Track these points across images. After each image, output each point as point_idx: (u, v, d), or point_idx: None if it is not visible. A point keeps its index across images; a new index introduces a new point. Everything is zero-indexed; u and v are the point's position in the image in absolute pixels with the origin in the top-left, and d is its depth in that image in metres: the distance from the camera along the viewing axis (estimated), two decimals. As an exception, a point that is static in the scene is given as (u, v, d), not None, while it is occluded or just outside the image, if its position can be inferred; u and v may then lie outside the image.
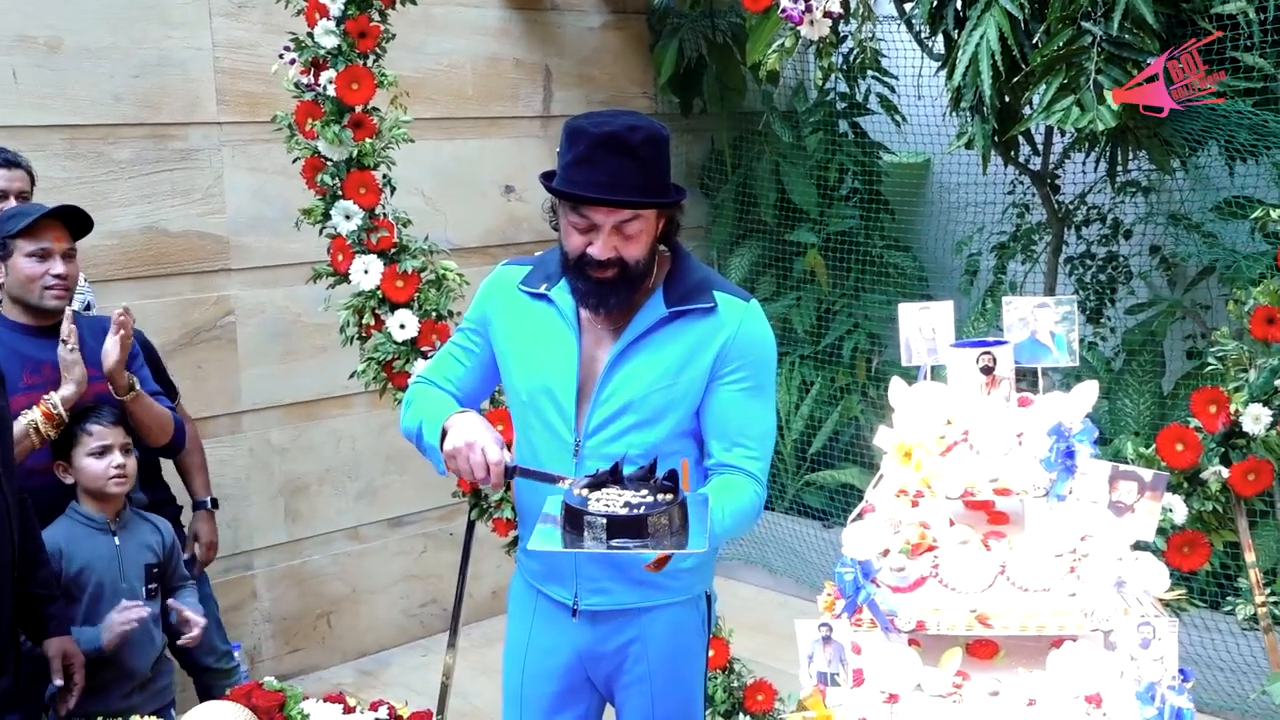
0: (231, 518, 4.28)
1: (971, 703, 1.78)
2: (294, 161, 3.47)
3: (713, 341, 2.26)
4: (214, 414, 4.31)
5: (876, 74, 5.14)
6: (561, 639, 2.41)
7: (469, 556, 3.58)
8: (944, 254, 5.52)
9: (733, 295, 2.30)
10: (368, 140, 3.39)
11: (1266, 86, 3.63)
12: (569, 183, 2.16)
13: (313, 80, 3.38)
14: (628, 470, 2.10)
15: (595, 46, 5.35)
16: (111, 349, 2.95)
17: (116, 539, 3.02)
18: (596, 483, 2.07)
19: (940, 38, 4.00)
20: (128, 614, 2.86)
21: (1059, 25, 3.34)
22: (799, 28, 3.27)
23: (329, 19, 3.35)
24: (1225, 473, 2.90)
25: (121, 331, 2.95)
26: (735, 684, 3.57)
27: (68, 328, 2.94)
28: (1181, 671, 1.76)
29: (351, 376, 3.50)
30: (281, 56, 3.42)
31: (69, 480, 3.01)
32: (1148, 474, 1.80)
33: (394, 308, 3.41)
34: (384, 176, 3.46)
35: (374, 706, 2.67)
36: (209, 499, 3.72)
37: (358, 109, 3.38)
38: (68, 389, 2.94)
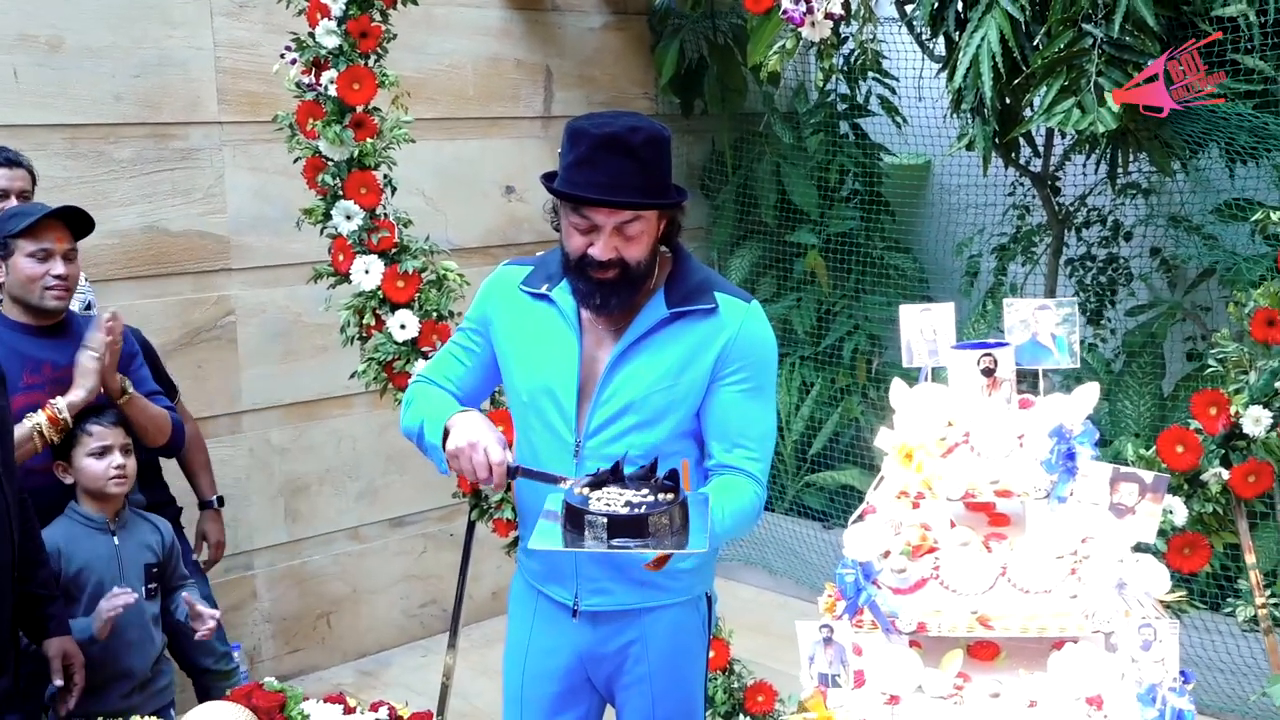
0: (231, 518, 4.28)
1: (972, 704, 1.78)
2: (295, 161, 3.47)
3: (714, 342, 2.26)
4: (214, 414, 4.31)
5: (877, 75, 5.14)
6: (562, 639, 2.41)
7: (469, 557, 3.58)
8: (944, 255, 5.52)
9: (734, 296, 2.30)
10: (369, 140, 3.40)
11: (1267, 89, 3.63)
12: (570, 184, 2.16)
13: (314, 80, 3.38)
14: (628, 470, 2.10)
15: (596, 47, 5.35)
16: (89, 362, 2.95)
17: (116, 539, 3.02)
18: (597, 482, 2.07)
19: (941, 39, 4.00)
20: (115, 600, 2.85)
21: (1060, 27, 3.35)
22: (800, 29, 3.27)
23: (330, 19, 3.35)
24: (1225, 474, 2.91)
25: (109, 337, 2.95)
26: (735, 685, 3.57)
27: (98, 337, 2.94)
28: (1182, 673, 1.76)
29: (352, 377, 3.50)
30: (283, 56, 3.42)
31: (68, 480, 3.00)
32: (1149, 476, 1.80)
33: (394, 308, 3.42)
34: (385, 177, 3.46)
35: (374, 707, 2.67)
36: (215, 498, 3.73)
37: (359, 109, 3.38)
38: (76, 395, 2.94)
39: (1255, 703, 3.66)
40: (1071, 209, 4.83)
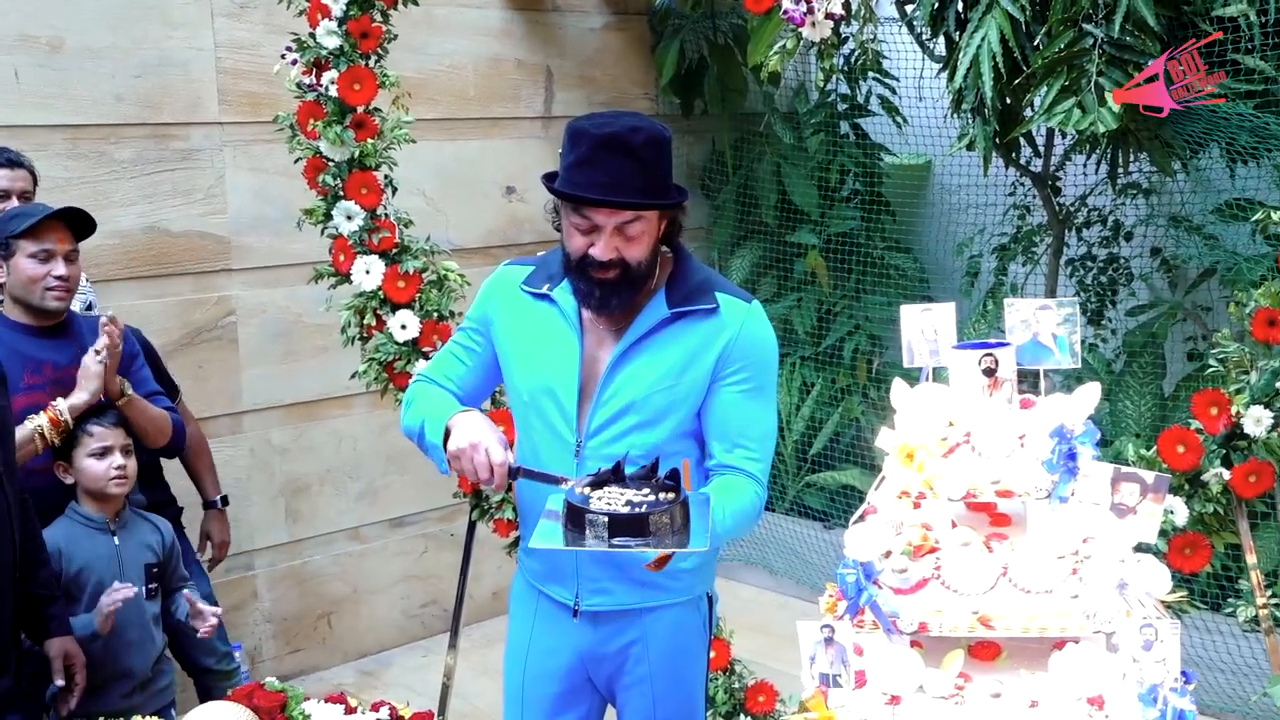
0: (232, 518, 4.25)
1: (973, 704, 1.78)
2: (296, 162, 3.47)
3: (715, 343, 2.26)
4: (215, 414, 4.31)
5: (878, 75, 5.14)
6: (563, 640, 2.41)
7: (470, 557, 3.58)
8: (945, 255, 5.52)
9: (735, 296, 2.30)
10: (369, 141, 3.40)
11: (1267, 89, 3.63)
12: (571, 184, 2.16)
13: (315, 81, 3.38)
14: (629, 470, 2.10)
15: (597, 47, 5.35)
16: (93, 365, 2.95)
17: (116, 539, 3.02)
18: (598, 481, 2.07)
19: (941, 39, 4.00)
20: (115, 595, 2.86)
21: (1060, 27, 3.35)
22: (800, 29, 3.27)
23: (331, 19, 3.35)
24: (1226, 475, 2.91)
25: (108, 340, 2.96)
26: (736, 685, 3.58)
27: (104, 341, 2.94)
28: (1183, 673, 1.76)
29: (353, 377, 3.50)
30: (284, 57, 3.42)
31: (69, 480, 3.01)
32: (1150, 476, 1.80)
33: (395, 308, 3.42)
34: (385, 177, 3.46)
35: (375, 707, 2.67)
36: (219, 498, 3.74)
37: (359, 109, 3.38)
38: (78, 397, 2.94)
39: (1256, 703, 3.66)
40: (1072, 209, 4.83)
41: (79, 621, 2.86)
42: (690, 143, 5.73)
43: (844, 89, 5.55)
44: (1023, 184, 5.03)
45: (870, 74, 5.12)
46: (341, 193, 3.41)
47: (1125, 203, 4.85)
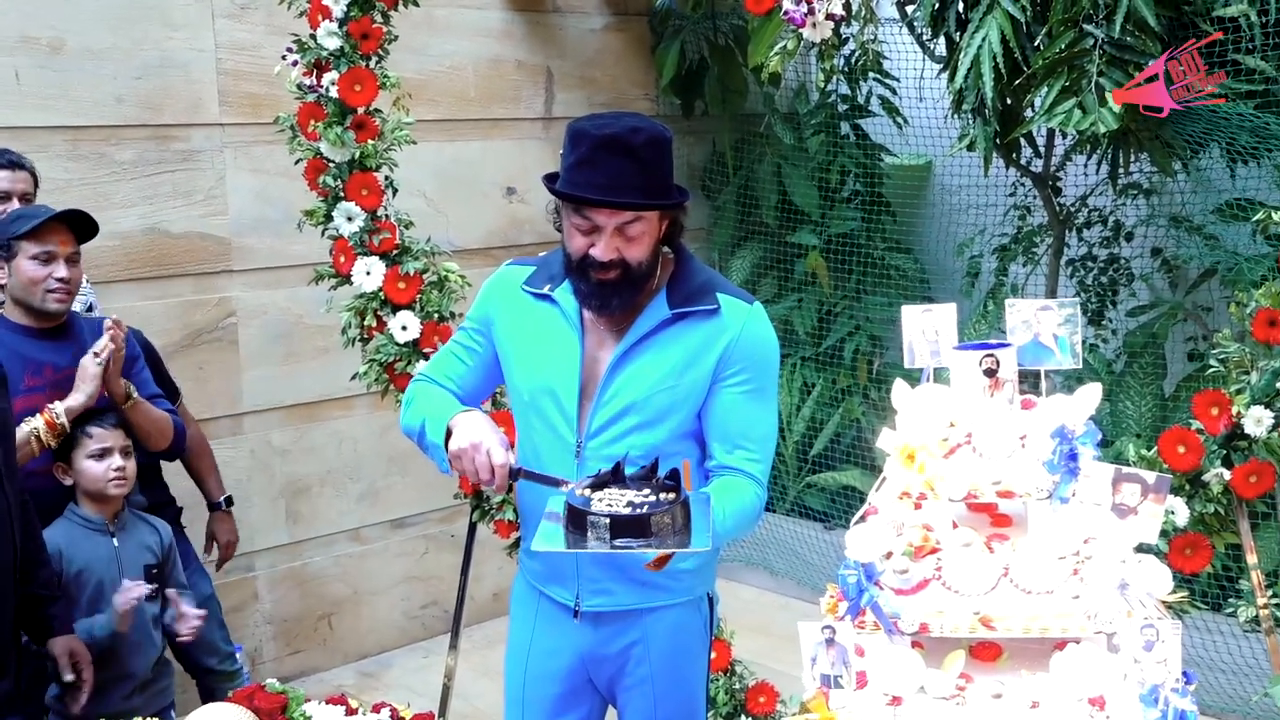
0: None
1: (975, 705, 1.78)
2: (296, 163, 3.47)
3: (716, 343, 2.26)
4: (215, 415, 4.31)
5: (878, 76, 5.14)
6: (563, 641, 2.41)
7: (470, 558, 3.58)
8: (945, 256, 5.52)
9: (736, 297, 2.30)
10: (370, 142, 3.40)
11: (1268, 89, 3.63)
12: (571, 184, 2.16)
13: (315, 82, 3.38)
14: (629, 470, 2.10)
15: (597, 48, 5.35)
16: (91, 366, 2.95)
17: (115, 540, 3.02)
18: (598, 483, 2.07)
19: (942, 40, 4.00)
20: (129, 594, 2.87)
21: (1060, 28, 3.34)
22: (801, 30, 3.27)
23: (331, 20, 3.35)
24: (1227, 475, 2.91)
25: (111, 343, 2.95)
26: (737, 686, 3.58)
27: (104, 343, 2.94)
28: (1185, 674, 1.76)
29: (353, 378, 3.50)
30: (284, 58, 3.42)
31: (68, 482, 3.01)
32: (1151, 476, 1.80)
33: (396, 309, 3.42)
34: (386, 178, 3.46)
35: (376, 708, 2.67)
36: (223, 499, 3.74)
37: (360, 110, 3.39)
38: (75, 399, 2.94)
39: (1257, 703, 3.66)
40: (1072, 209, 4.83)
41: (98, 621, 2.87)
42: (691, 143, 5.73)
43: (844, 90, 5.54)
44: (1023, 184, 5.02)
45: (871, 74, 5.12)
46: (342, 194, 3.41)
47: (1126, 203, 4.85)
